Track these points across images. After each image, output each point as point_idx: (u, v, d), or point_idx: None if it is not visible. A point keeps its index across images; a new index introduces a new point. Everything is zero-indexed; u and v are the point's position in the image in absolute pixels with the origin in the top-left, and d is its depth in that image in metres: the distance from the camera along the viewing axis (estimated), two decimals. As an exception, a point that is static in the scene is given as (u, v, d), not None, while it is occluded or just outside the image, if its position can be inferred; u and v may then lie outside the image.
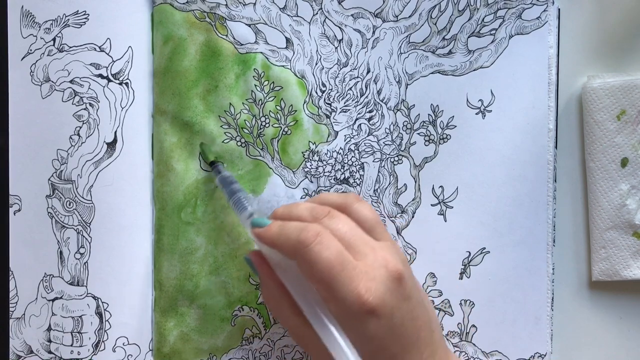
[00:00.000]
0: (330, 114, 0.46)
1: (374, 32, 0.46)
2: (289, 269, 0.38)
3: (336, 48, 0.46)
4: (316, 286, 0.36)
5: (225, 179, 0.43)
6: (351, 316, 0.34)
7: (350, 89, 0.46)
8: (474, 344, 0.46)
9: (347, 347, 0.35)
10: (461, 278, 0.46)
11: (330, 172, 0.46)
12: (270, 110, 0.45)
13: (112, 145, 0.45)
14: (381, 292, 0.34)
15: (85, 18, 0.45)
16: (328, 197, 0.41)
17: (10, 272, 0.45)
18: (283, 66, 0.45)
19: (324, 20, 0.45)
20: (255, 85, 0.45)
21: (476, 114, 0.46)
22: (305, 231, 0.35)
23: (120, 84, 0.45)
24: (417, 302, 0.37)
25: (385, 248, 0.37)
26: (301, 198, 0.46)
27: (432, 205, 0.46)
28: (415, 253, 0.46)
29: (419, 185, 0.46)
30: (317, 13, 0.45)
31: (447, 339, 0.47)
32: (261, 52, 0.45)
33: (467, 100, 0.46)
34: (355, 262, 0.35)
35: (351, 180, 0.46)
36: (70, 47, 0.45)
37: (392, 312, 0.35)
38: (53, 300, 0.45)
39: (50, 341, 0.45)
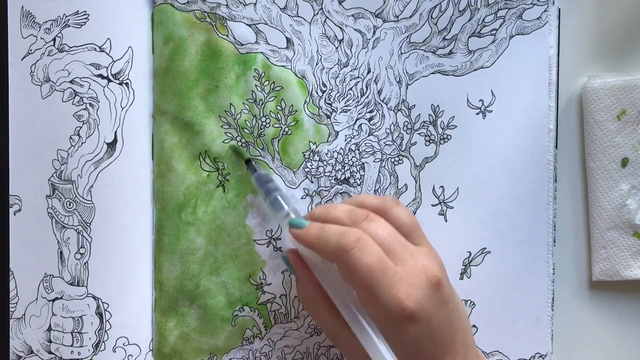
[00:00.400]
0: (331, 114, 0.46)
1: (374, 32, 0.46)
2: (327, 271, 0.38)
3: (337, 48, 0.46)
4: (356, 290, 0.36)
5: (261, 177, 0.43)
6: (391, 321, 0.35)
7: (351, 89, 0.46)
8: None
9: (385, 350, 0.36)
10: (462, 278, 0.46)
11: (331, 172, 0.46)
12: (270, 111, 0.45)
13: (112, 145, 0.45)
14: (420, 298, 0.35)
15: (86, 18, 0.45)
16: (365, 199, 0.41)
17: (10, 272, 0.45)
18: (283, 66, 0.45)
19: (325, 20, 0.45)
20: (256, 85, 0.45)
21: (477, 114, 0.46)
22: (347, 236, 0.35)
23: (120, 84, 0.45)
24: (453, 306, 0.37)
25: (423, 253, 0.38)
26: (301, 198, 0.46)
27: (432, 205, 0.46)
28: (416, 253, 0.46)
29: (419, 185, 0.46)
30: (317, 13, 0.45)
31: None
32: (262, 52, 0.45)
33: (468, 100, 0.46)
34: (395, 268, 0.35)
35: (352, 181, 0.46)
36: (71, 47, 0.45)
37: (430, 317, 0.35)
38: (53, 300, 0.45)
39: (50, 341, 0.45)
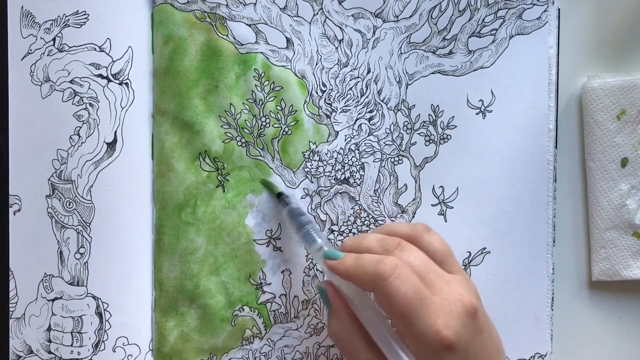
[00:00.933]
0: (331, 114, 0.46)
1: (374, 32, 0.46)
2: (362, 302, 0.38)
3: (336, 48, 0.46)
4: (393, 319, 0.36)
5: (293, 211, 0.43)
6: (429, 350, 0.35)
7: (351, 89, 0.46)
8: (474, 344, 0.46)
9: None
10: (461, 278, 0.46)
11: (331, 172, 0.46)
12: (270, 110, 0.45)
13: (112, 145, 0.45)
14: (458, 328, 0.35)
15: (85, 18, 0.45)
16: (396, 227, 0.40)
17: (10, 272, 0.45)
18: (283, 66, 0.45)
19: (325, 20, 0.45)
20: (256, 85, 0.45)
21: (476, 114, 0.46)
22: (383, 264, 0.35)
23: (120, 84, 0.45)
24: (488, 334, 0.37)
25: (459, 282, 0.37)
26: (301, 198, 0.46)
27: (432, 205, 0.46)
28: (416, 253, 0.46)
29: (419, 185, 0.46)
30: (317, 13, 0.45)
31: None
32: (261, 52, 0.45)
33: (468, 100, 0.46)
34: (432, 297, 0.35)
35: (351, 181, 0.46)
36: (70, 47, 0.45)
37: (467, 346, 0.35)
38: (53, 300, 0.45)
39: (50, 341, 0.45)
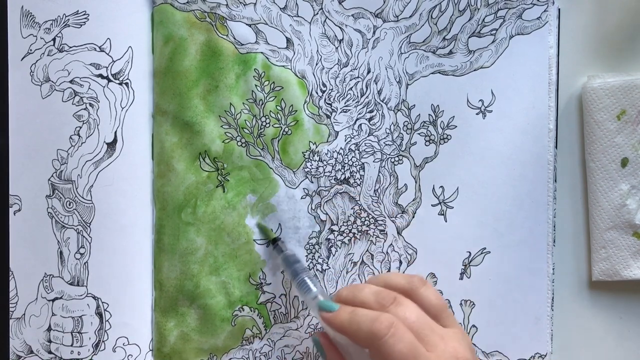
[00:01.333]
0: (331, 114, 0.46)
1: (374, 32, 0.46)
2: (357, 354, 0.39)
3: (337, 48, 0.46)
4: None
5: (288, 258, 0.44)
6: None
7: (351, 89, 0.46)
8: (474, 344, 0.46)
9: None
10: (462, 278, 0.46)
11: (331, 172, 0.46)
12: (270, 110, 0.45)
13: (112, 145, 0.45)
14: None
15: (85, 18, 0.45)
16: (392, 279, 0.41)
17: (10, 272, 0.45)
18: (283, 66, 0.45)
19: (325, 20, 0.45)
20: (256, 85, 0.45)
21: (476, 114, 0.46)
22: (378, 322, 0.36)
23: (120, 84, 0.45)
24: None
25: (454, 336, 0.38)
26: (301, 198, 0.46)
27: (432, 205, 0.46)
28: (416, 253, 0.46)
29: (419, 185, 0.46)
30: (317, 13, 0.45)
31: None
32: (261, 52, 0.45)
33: (468, 100, 0.46)
34: (427, 354, 0.36)
35: (351, 181, 0.46)
36: (70, 47, 0.45)
37: None
38: (53, 300, 0.45)
39: (50, 341, 0.45)
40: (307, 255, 0.46)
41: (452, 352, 0.36)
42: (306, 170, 0.46)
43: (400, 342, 0.35)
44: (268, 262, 0.46)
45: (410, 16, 0.46)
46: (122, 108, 0.45)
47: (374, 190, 0.46)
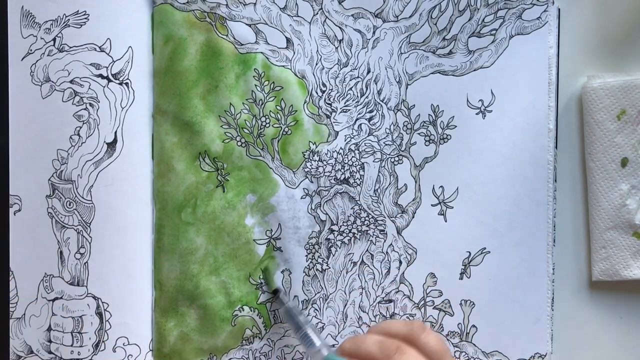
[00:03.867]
0: (331, 114, 0.46)
1: (374, 32, 0.46)
2: None
3: (336, 48, 0.46)
4: None
5: (289, 311, 0.44)
6: None
7: (351, 89, 0.46)
8: (474, 344, 0.46)
9: None
10: (461, 278, 0.46)
11: (331, 172, 0.46)
12: (270, 110, 0.45)
13: (112, 145, 0.45)
14: None
15: (86, 18, 0.45)
16: (393, 326, 0.41)
17: (10, 272, 0.45)
18: (283, 66, 0.45)
19: (325, 20, 0.45)
20: (256, 85, 0.45)
21: (476, 114, 0.46)
22: None
23: (120, 84, 0.45)
24: None
25: None
26: (301, 198, 0.46)
27: (432, 205, 0.46)
28: (416, 253, 0.46)
29: (419, 185, 0.46)
30: (317, 13, 0.45)
31: (447, 339, 0.47)
32: (261, 52, 0.45)
33: (468, 100, 0.46)
34: None
35: (351, 181, 0.46)
36: (71, 47, 0.45)
37: None
38: (53, 300, 0.45)
39: (50, 341, 0.45)
40: (307, 255, 0.46)
41: None
42: (306, 170, 0.46)
43: None
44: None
45: (410, 16, 0.46)
46: (122, 108, 0.45)
47: (374, 190, 0.46)
